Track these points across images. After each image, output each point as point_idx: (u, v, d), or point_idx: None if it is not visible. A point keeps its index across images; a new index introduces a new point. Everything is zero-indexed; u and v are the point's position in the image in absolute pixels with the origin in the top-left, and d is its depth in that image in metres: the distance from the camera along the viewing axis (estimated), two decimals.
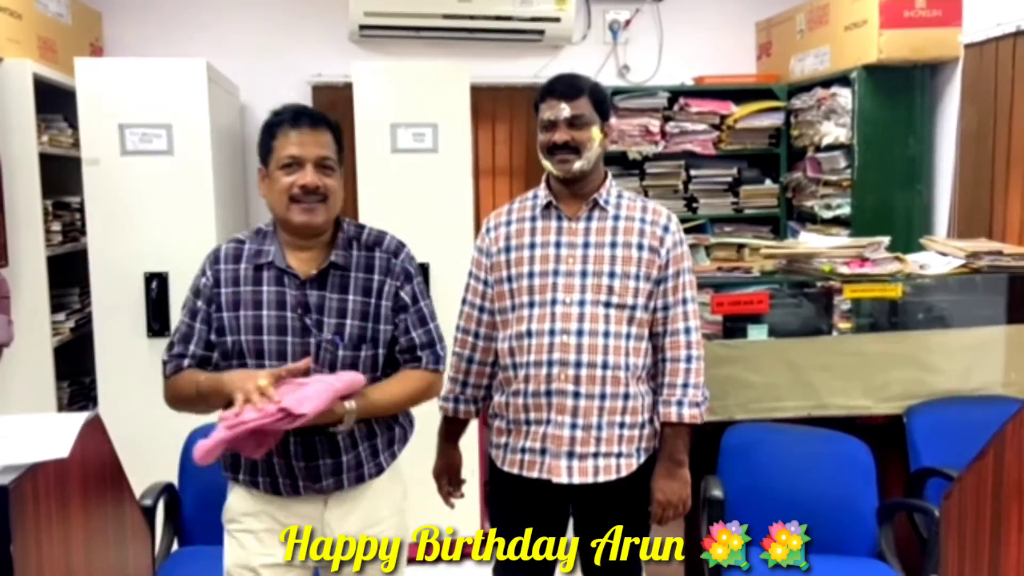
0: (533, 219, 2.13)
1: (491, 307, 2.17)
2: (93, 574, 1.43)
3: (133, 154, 3.25)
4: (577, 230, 2.10)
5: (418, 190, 3.45)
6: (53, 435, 1.29)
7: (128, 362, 3.28)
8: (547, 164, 2.11)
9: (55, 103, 3.38)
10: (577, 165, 2.05)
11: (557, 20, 4.15)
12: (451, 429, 2.28)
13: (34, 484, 1.19)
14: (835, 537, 2.60)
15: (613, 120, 3.42)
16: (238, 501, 1.88)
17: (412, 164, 3.44)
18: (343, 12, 4.05)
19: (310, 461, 1.82)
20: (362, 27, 4.05)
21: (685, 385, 2.07)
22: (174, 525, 2.65)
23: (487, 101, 4.26)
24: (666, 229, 2.10)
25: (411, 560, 3.45)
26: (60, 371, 3.32)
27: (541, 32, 4.19)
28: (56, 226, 3.33)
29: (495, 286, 2.15)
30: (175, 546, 2.65)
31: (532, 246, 2.11)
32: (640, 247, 2.07)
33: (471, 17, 4.07)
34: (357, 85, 3.44)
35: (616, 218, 2.10)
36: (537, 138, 2.12)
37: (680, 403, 2.06)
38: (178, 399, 1.85)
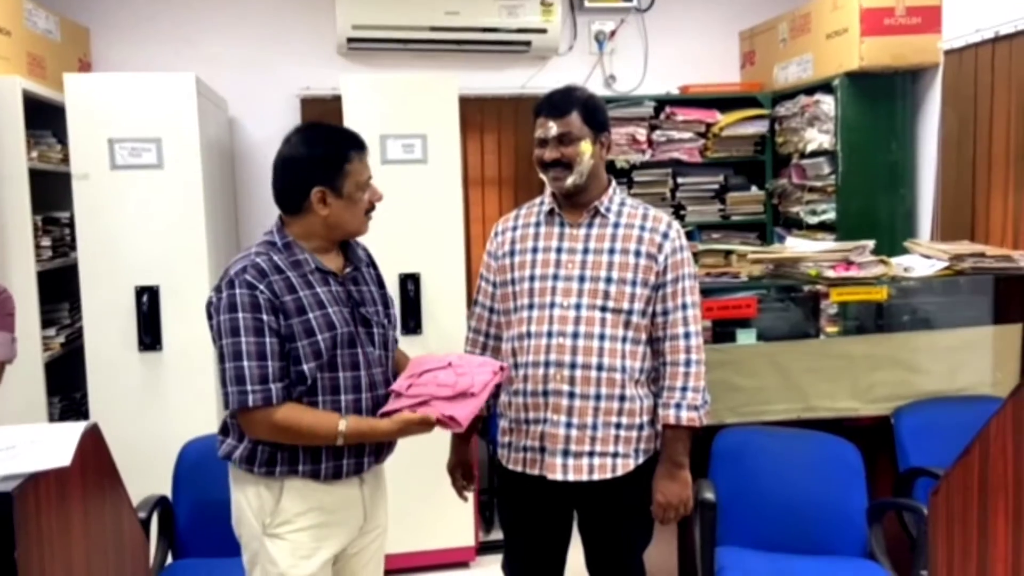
0: (537, 224, 2.21)
1: (499, 308, 2.23)
2: None
3: (122, 168, 3.26)
4: (578, 236, 2.15)
5: (408, 200, 3.47)
6: (54, 444, 1.30)
7: (119, 376, 3.28)
8: (544, 178, 2.19)
9: (44, 119, 3.39)
10: (569, 181, 2.12)
11: (543, 31, 4.20)
12: None
13: (36, 492, 1.20)
14: (825, 538, 2.63)
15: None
16: (292, 502, 1.90)
17: (402, 175, 3.46)
18: (331, 25, 4.08)
19: None
20: (350, 40, 4.08)
21: (684, 388, 2.10)
22: (168, 538, 2.65)
23: (475, 112, 4.29)
24: (665, 236, 2.13)
25: (413, 568, 3.50)
26: (51, 387, 3.31)
27: (528, 43, 4.23)
28: (46, 241, 3.32)
29: (500, 288, 2.22)
30: (169, 559, 2.65)
31: (535, 251, 2.17)
32: (638, 253, 2.11)
33: (458, 29, 4.10)
34: (346, 97, 3.46)
35: (616, 225, 2.15)
36: (528, 148, 2.18)
37: (678, 406, 2.09)
38: (282, 431, 1.84)
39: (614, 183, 2.23)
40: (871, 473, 2.68)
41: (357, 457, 1.95)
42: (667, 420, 2.10)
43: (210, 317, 1.89)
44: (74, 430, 1.38)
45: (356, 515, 2.00)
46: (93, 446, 1.50)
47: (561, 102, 2.12)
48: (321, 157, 1.92)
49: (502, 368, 1.99)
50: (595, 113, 2.15)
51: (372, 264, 2.12)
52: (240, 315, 1.82)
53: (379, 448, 2.01)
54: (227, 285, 1.85)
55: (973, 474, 1.62)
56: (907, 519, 2.73)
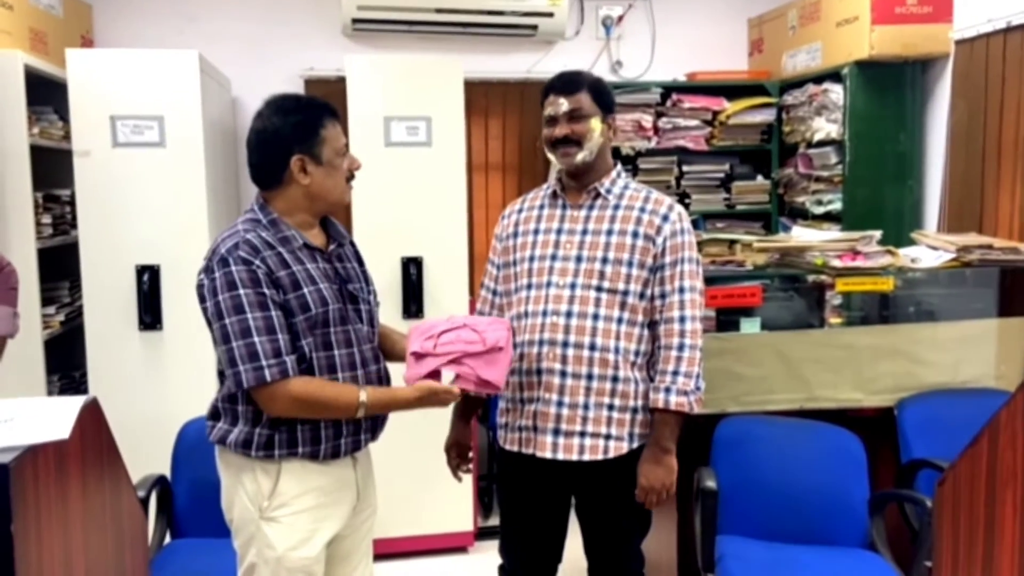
0: (541, 207, 2.23)
1: (501, 290, 2.26)
2: (91, 555, 1.43)
3: (124, 146, 3.23)
4: (578, 218, 2.17)
5: (411, 184, 3.45)
6: (53, 417, 1.28)
7: (119, 355, 3.27)
8: (552, 158, 2.20)
9: (46, 95, 3.36)
10: (579, 157, 2.12)
11: (550, 15, 4.16)
12: (465, 406, 2.32)
13: (34, 464, 1.18)
14: (827, 528, 2.62)
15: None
16: (290, 484, 1.87)
17: (406, 157, 3.44)
18: (336, 5, 4.04)
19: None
20: (355, 20, 4.04)
21: (675, 373, 2.08)
22: (166, 517, 2.64)
23: (480, 96, 4.26)
24: (665, 218, 2.12)
25: (412, 552, 3.50)
26: (50, 365, 3.30)
27: (534, 27, 4.19)
28: (47, 219, 3.31)
29: (503, 270, 2.24)
30: (167, 538, 2.64)
31: (536, 232, 2.19)
32: (635, 234, 2.11)
33: (464, 11, 4.06)
34: (350, 78, 3.43)
35: (616, 207, 2.16)
36: (533, 133, 2.19)
37: (668, 390, 2.08)
38: (303, 404, 1.82)
39: (619, 166, 2.25)
40: (873, 464, 2.67)
41: (355, 435, 1.95)
42: (656, 404, 2.09)
43: (203, 300, 1.85)
44: (73, 404, 1.37)
45: (350, 496, 1.99)
46: (92, 421, 1.48)
47: (571, 80, 2.15)
48: (296, 124, 1.89)
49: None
50: (603, 94, 2.17)
51: (351, 241, 2.11)
52: (242, 291, 1.78)
53: (374, 426, 2.00)
54: (220, 264, 1.80)
55: (981, 465, 1.60)
56: (909, 511, 2.72)
